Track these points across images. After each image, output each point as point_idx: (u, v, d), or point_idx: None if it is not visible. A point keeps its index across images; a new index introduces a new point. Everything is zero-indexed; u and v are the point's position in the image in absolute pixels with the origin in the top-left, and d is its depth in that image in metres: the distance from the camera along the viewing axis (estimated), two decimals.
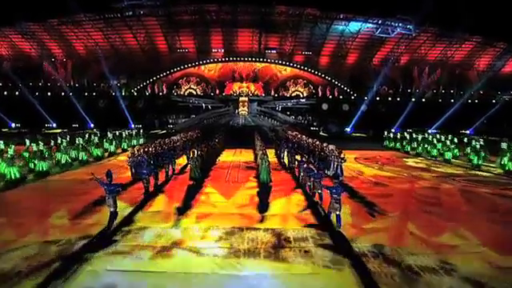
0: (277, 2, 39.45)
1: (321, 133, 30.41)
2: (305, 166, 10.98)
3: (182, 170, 14.33)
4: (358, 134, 30.23)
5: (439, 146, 19.60)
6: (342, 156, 12.77)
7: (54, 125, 37.35)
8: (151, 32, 43.79)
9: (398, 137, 23.65)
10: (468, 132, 32.89)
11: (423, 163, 17.49)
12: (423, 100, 43.29)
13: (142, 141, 22.55)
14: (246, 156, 19.34)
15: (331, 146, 13.91)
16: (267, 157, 12.31)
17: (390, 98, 43.93)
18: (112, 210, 7.33)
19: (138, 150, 12.78)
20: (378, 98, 43.32)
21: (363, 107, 40.78)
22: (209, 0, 39.73)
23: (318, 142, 15.93)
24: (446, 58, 45.68)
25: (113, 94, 42.50)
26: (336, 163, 12.77)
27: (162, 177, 12.27)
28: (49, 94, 42.32)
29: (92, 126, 34.57)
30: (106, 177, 7.75)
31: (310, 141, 17.09)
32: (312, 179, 9.80)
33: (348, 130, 30.37)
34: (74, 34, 43.48)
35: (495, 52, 44.07)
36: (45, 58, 44.26)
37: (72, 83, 44.51)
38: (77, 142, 16.46)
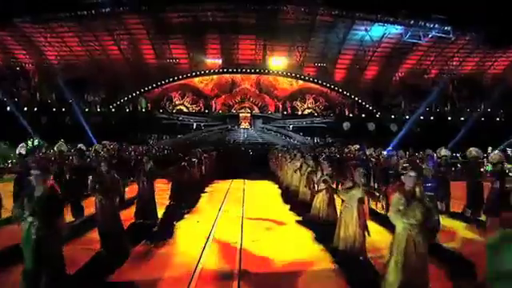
0: (286, 2, 32.71)
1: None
2: None
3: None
4: None
5: None
6: None
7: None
8: (136, 38, 36.90)
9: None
10: None
11: None
12: (461, 119, 36.02)
13: None
14: (257, 206, 9.91)
15: None
16: None
17: (422, 117, 36.39)
18: None
19: None
20: (407, 117, 35.92)
21: (392, 126, 33.66)
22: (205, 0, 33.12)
23: None
24: (484, 68, 38.62)
25: (86, 110, 35.26)
26: None
27: None
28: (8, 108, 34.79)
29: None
30: None
31: None
32: None
33: (385, 153, 23.25)
34: (45, 40, 36.62)
35: None
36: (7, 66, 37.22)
37: (38, 97, 37.09)
38: None
